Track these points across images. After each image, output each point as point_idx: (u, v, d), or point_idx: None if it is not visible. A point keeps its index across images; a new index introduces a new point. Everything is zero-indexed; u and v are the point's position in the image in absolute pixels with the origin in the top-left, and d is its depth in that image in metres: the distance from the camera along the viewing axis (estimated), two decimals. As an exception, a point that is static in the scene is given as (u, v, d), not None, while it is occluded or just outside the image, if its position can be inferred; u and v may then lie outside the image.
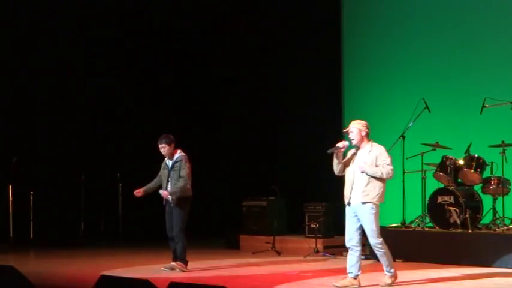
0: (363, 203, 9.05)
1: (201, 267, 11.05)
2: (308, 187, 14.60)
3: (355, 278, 9.23)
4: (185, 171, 10.77)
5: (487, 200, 11.60)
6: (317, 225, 12.65)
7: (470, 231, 11.22)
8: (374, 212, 9.05)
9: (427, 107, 12.11)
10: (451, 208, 11.34)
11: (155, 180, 11.09)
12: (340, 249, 12.48)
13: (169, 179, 10.81)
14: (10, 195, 14.70)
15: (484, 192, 11.66)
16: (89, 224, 15.66)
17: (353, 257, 9.24)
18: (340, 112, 15.16)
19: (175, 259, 10.84)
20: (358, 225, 9.18)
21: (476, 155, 11.66)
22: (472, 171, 11.63)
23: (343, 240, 12.79)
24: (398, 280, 9.43)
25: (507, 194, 11.50)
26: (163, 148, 10.85)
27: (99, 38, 16.03)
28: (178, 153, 10.90)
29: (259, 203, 13.76)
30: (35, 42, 15.26)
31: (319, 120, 15.21)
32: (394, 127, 12.65)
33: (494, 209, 11.49)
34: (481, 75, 13.26)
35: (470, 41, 13.52)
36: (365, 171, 9.03)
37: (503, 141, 11.51)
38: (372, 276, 9.86)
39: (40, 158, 15.06)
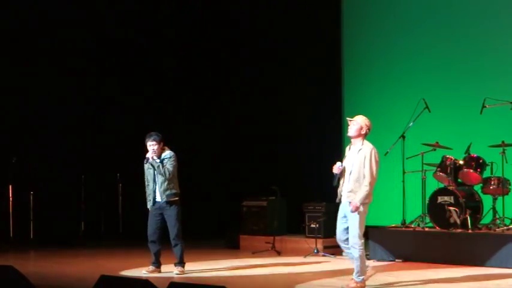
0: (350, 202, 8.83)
1: (201, 267, 11.03)
2: (308, 187, 14.60)
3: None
4: (171, 166, 10.20)
5: (487, 200, 11.60)
6: (317, 225, 12.64)
7: (470, 231, 11.21)
8: (361, 210, 8.80)
9: (427, 107, 12.11)
10: (451, 208, 11.33)
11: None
12: (340, 249, 12.47)
13: (156, 180, 10.33)
14: (10, 195, 14.70)
15: (484, 192, 11.66)
16: (89, 224, 15.65)
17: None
18: (340, 112, 15.15)
19: (156, 263, 10.50)
20: (347, 225, 8.96)
21: (476, 155, 11.66)
22: (472, 171, 11.63)
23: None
24: (398, 280, 9.43)
25: (507, 194, 11.50)
26: (154, 146, 10.22)
27: (101, 38, 16.00)
28: (168, 151, 10.37)
29: (259, 203, 13.75)
30: (34, 41, 15.24)
31: (319, 121, 15.21)
32: (394, 127, 12.66)
33: (494, 209, 11.49)
34: (481, 75, 13.26)
35: (470, 41, 13.52)
36: (356, 206, 8.75)
37: (503, 141, 11.50)
38: (375, 277, 9.84)
39: (40, 158, 15.05)
